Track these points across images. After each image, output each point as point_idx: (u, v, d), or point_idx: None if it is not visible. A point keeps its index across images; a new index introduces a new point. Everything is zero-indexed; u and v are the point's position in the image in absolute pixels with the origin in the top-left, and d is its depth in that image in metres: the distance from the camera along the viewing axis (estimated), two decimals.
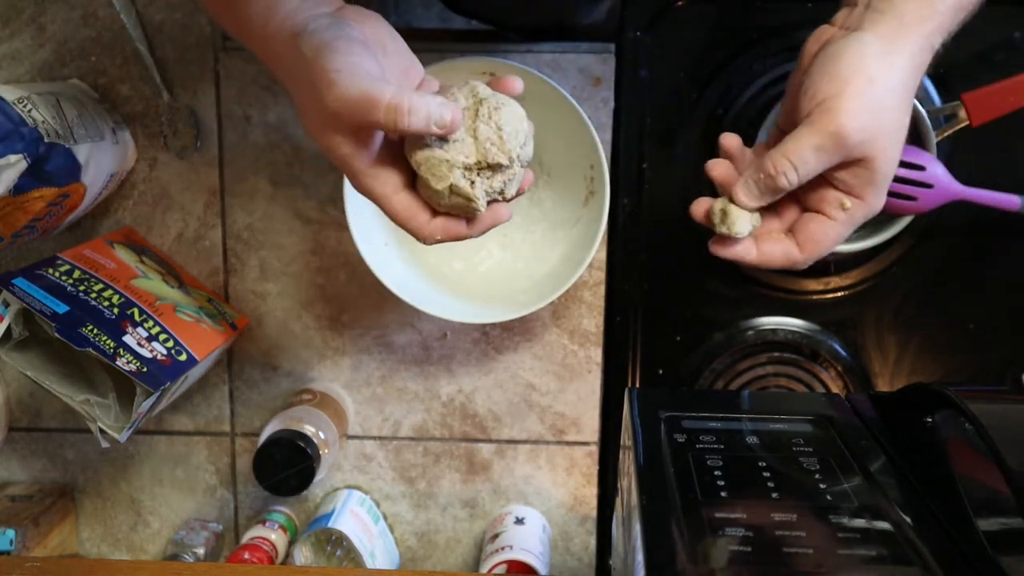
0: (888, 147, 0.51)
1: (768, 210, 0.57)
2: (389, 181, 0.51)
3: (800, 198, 0.56)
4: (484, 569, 0.78)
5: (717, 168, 0.58)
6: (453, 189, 0.52)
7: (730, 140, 0.58)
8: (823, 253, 0.54)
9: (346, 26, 0.49)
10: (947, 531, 0.49)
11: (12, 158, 0.64)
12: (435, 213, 0.54)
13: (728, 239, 0.56)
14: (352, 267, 0.83)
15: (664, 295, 0.83)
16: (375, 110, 0.46)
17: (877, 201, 0.53)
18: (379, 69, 0.49)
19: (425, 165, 0.51)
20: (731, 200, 0.56)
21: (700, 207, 0.58)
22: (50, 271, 0.71)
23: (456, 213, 0.54)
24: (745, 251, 0.56)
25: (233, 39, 0.66)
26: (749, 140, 0.77)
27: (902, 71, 0.51)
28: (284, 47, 0.49)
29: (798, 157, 0.51)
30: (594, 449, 0.86)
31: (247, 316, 0.84)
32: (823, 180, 0.53)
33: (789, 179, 0.52)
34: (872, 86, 0.50)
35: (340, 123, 0.48)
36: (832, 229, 0.53)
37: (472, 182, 0.52)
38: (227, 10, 0.52)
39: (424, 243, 0.54)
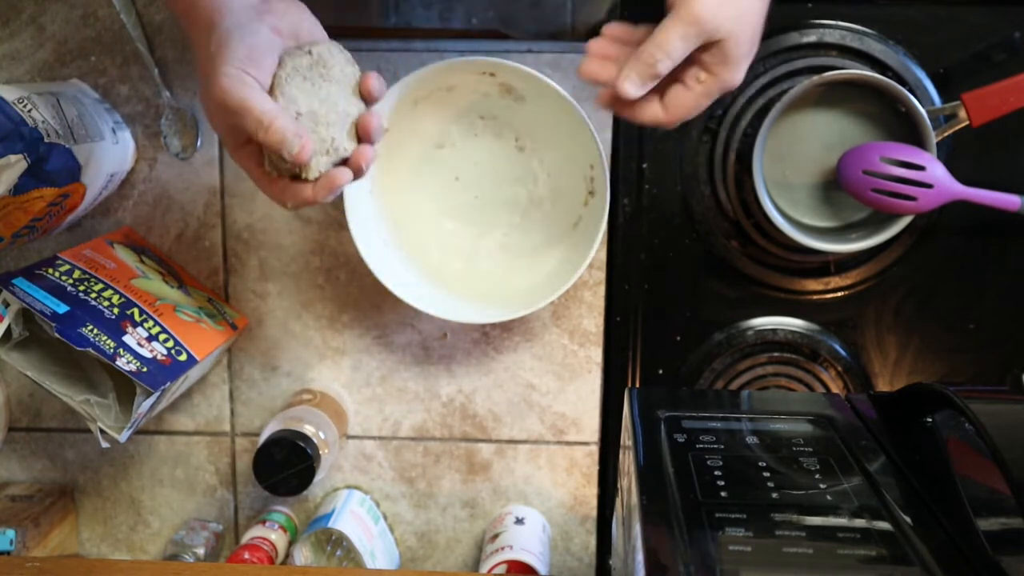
0: (739, 30, 0.57)
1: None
2: (252, 157, 0.59)
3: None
4: (484, 569, 0.78)
5: (589, 65, 0.62)
6: (273, 160, 0.58)
7: (615, 28, 0.63)
8: (685, 117, 0.61)
9: (258, 26, 0.56)
10: (947, 531, 0.49)
11: (12, 158, 0.64)
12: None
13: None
14: (352, 267, 0.83)
15: (664, 295, 0.83)
16: (246, 117, 0.54)
17: (730, 77, 0.60)
18: (267, 77, 0.56)
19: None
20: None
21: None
22: (50, 271, 0.71)
23: (297, 179, 0.59)
24: (618, 107, 0.62)
25: None
26: (749, 142, 0.77)
27: None
28: (201, 27, 0.56)
29: (668, 45, 0.57)
30: (594, 449, 0.86)
31: (247, 316, 0.84)
32: (688, 57, 0.60)
33: (664, 66, 0.58)
34: None
35: (220, 112, 0.56)
36: (691, 98, 0.60)
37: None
38: None
39: (285, 208, 0.60)
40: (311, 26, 0.59)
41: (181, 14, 0.59)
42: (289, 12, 0.59)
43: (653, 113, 0.62)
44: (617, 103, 0.61)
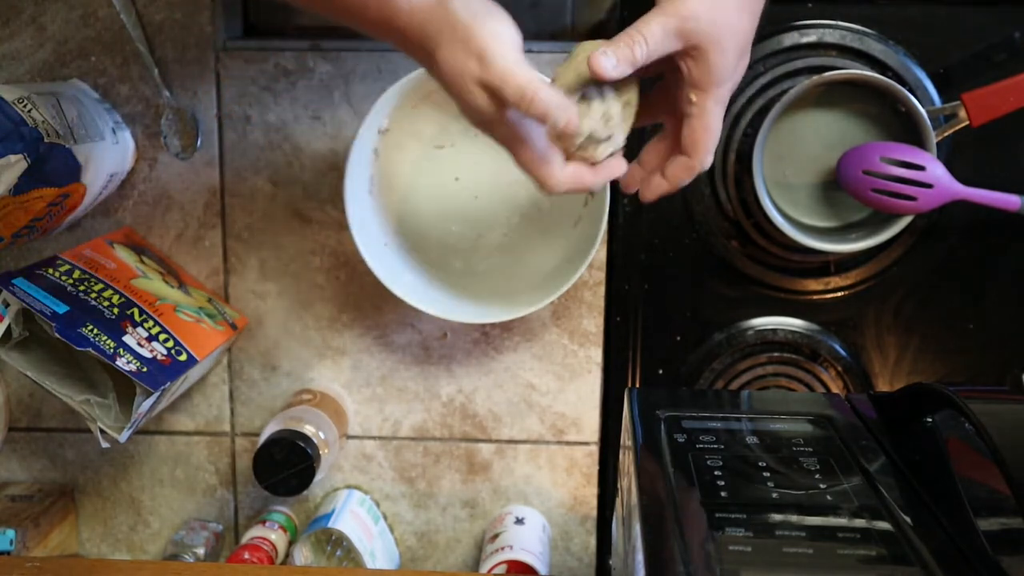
0: (722, 38, 0.56)
1: (653, 147, 0.64)
2: (514, 135, 0.57)
3: (671, 132, 0.63)
4: (484, 569, 0.78)
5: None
6: (592, 136, 0.57)
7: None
8: (705, 146, 0.60)
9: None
10: (947, 531, 0.49)
11: (12, 158, 0.64)
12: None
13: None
14: (352, 267, 0.83)
15: (664, 295, 0.83)
16: (507, 86, 0.53)
17: (718, 91, 0.58)
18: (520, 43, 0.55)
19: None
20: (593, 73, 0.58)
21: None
22: (50, 271, 0.71)
23: (584, 160, 0.58)
24: (658, 185, 0.62)
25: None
26: (749, 142, 0.77)
27: None
28: (425, 9, 0.55)
29: (647, 30, 0.56)
30: (594, 449, 0.86)
31: (247, 316, 0.84)
32: (678, 86, 0.60)
33: (640, 49, 0.56)
34: None
35: (479, 78, 0.54)
36: (697, 124, 0.59)
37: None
38: None
39: (551, 190, 0.58)
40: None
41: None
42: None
43: (683, 166, 0.61)
44: (651, 184, 0.62)
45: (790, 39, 0.77)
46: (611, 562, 0.78)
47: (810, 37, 0.77)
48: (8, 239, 0.70)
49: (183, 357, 0.72)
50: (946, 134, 0.73)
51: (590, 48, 0.57)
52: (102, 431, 0.68)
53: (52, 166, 0.68)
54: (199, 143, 0.81)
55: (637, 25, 0.57)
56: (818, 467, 0.55)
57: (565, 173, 0.58)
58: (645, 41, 0.57)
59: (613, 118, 0.58)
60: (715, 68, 0.57)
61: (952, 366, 0.83)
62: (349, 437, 0.86)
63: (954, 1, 0.77)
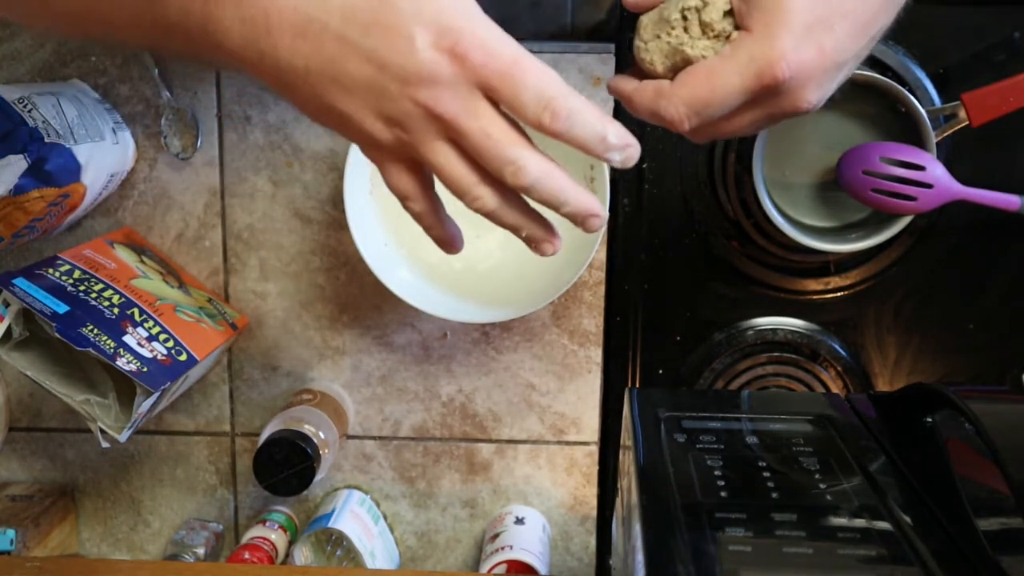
0: None
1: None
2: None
3: None
4: (484, 569, 0.78)
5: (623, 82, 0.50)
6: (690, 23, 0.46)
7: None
8: (696, 90, 0.45)
9: None
10: (947, 531, 0.49)
11: (12, 158, 0.64)
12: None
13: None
14: (352, 267, 0.83)
15: (664, 295, 0.83)
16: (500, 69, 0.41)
17: (766, 32, 0.43)
18: None
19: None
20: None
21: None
22: (50, 271, 0.71)
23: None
24: (627, 85, 0.49)
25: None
26: (749, 142, 0.77)
27: None
28: None
29: None
30: (594, 449, 0.86)
31: (247, 316, 0.84)
32: None
33: None
34: None
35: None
36: (709, 62, 0.45)
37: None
38: None
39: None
40: None
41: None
42: None
43: (655, 88, 0.47)
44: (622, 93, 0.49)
45: None
46: (611, 562, 0.78)
47: None
48: (8, 239, 0.70)
49: (183, 357, 0.72)
50: (946, 134, 0.73)
51: None
52: (102, 431, 0.68)
53: (52, 166, 0.68)
54: (199, 143, 0.81)
55: None
56: (818, 467, 0.55)
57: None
58: None
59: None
60: (777, 3, 0.43)
61: (952, 366, 0.83)
62: (349, 437, 0.86)
63: (954, 1, 0.76)
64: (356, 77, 0.42)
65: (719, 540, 0.47)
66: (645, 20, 0.49)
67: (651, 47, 0.49)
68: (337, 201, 0.81)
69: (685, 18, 0.47)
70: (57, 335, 0.66)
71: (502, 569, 0.77)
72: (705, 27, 0.46)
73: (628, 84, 0.49)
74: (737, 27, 0.46)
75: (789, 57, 0.43)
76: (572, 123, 0.42)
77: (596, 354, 0.84)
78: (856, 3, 0.45)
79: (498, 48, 0.42)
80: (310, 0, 0.41)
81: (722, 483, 0.53)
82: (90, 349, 0.66)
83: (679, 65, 0.48)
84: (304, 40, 0.41)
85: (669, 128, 0.47)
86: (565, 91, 0.42)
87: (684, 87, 0.46)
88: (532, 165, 0.43)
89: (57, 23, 0.50)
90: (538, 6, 0.86)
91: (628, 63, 0.78)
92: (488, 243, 0.82)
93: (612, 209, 0.77)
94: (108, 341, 0.67)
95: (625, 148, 0.44)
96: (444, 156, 0.44)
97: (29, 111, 0.68)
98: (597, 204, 0.46)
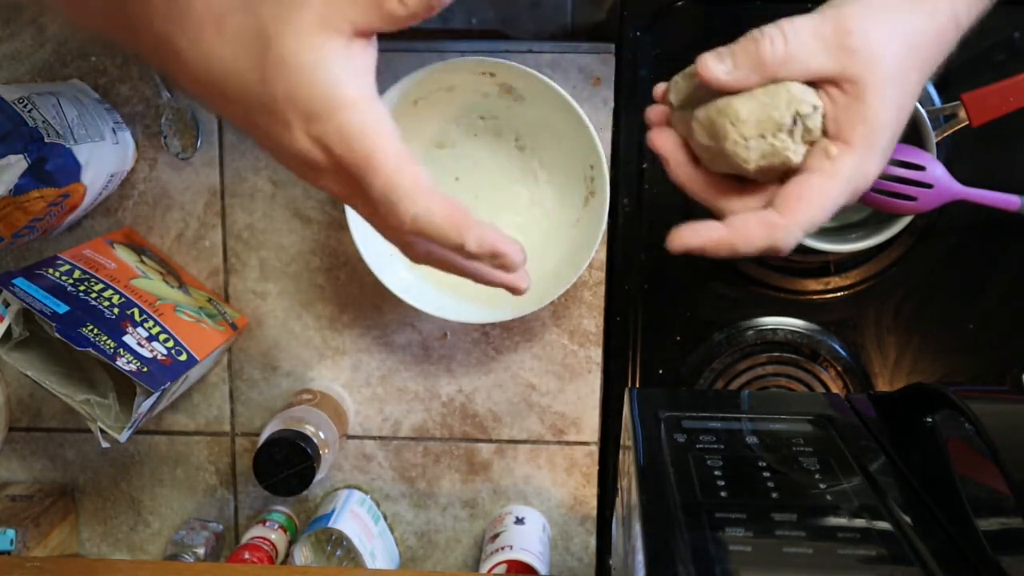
0: (888, 79, 0.43)
1: (739, 192, 0.49)
2: None
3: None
4: (484, 569, 0.78)
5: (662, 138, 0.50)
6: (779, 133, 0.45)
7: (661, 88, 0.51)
8: (810, 215, 0.45)
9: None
10: (947, 531, 0.49)
11: (12, 158, 0.64)
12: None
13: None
14: (352, 267, 0.83)
15: (664, 295, 0.83)
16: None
17: (867, 151, 0.44)
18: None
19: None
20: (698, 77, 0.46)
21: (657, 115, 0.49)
22: (50, 271, 0.71)
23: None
24: (712, 233, 0.47)
25: None
26: None
27: (923, 30, 0.45)
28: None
29: (791, 28, 0.44)
30: (594, 449, 0.86)
31: (247, 316, 0.84)
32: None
33: (775, 45, 0.44)
34: (897, 13, 0.43)
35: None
36: (816, 182, 0.45)
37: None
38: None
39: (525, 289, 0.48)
40: None
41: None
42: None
43: (762, 221, 0.45)
44: (699, 231, 0.48)
45: None
46: (611, 562, 0.78)
47: None
48: (8, 239, 0.70)
49: (183, 357, 0.72)
50: (946, 134, 0.73)
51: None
52: (102, 431, 0.68)
53: (52, 166, 0.68)
54: (199, 143, 0.81)
55: (779, 21, 0.44)
56: (818, 467, 0.55)
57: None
58: (784, 37, 0.43)
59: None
60: (872, 116, 0.43)
61: (952, 366, 0.83)
62: (349, 437, 0.86)
63: None
64: (265, 145, 0.45)
65: (719, 540, 0.47)
66: (744, 113, 0.46)
67: (752, 145, 0.46)
68: (337, 201, 0.81)
69: (795, 123, 0.45)
70: (57, 335, 0.66)
71: (502, 569, 0.77)
72: (806, 132, 0.46)
73: (715, 231, 0.47)
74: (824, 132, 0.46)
75: (874, 177, 0.46)
76: (420, 228, 0.44)
77: (596, 354, 0.84)
78: (904, 119, 0.47)
79: (356, 143, 0.42)
80: (210, 80, 0.42)
81: (722, 483, 0.53)
82: (90, 349, 0.66)
83: (774, 168, 0.47)
84: (223, 104, 0.44)
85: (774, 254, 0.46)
86: (414, 193, 0.43)
87: (799, 213, 0.45)
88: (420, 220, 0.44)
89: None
90: (538, 6, 0.86)
91: (628, 64, 0.79)
92: None
93: (612, 209, 0.77)
94: (108, 341, 0.67)
95: (495, 257, 0.46)
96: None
97: (29, 111, 0.68)
98: (505, 244, 0.46)
